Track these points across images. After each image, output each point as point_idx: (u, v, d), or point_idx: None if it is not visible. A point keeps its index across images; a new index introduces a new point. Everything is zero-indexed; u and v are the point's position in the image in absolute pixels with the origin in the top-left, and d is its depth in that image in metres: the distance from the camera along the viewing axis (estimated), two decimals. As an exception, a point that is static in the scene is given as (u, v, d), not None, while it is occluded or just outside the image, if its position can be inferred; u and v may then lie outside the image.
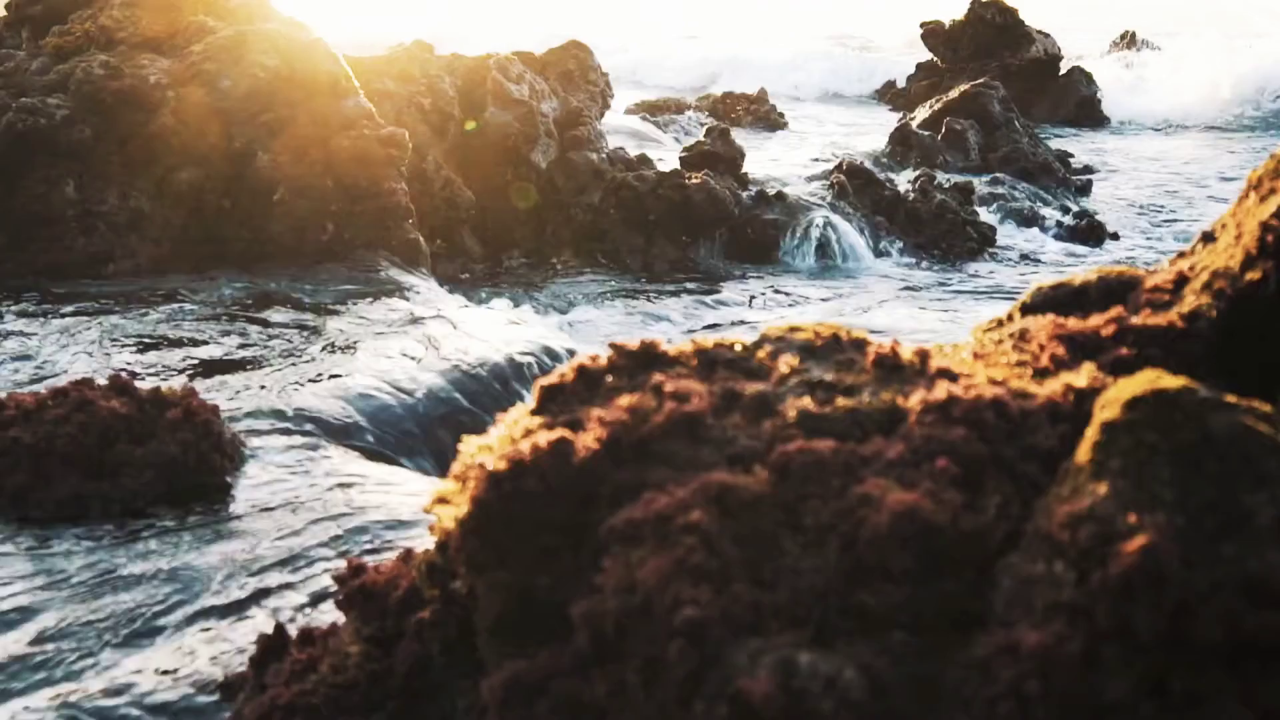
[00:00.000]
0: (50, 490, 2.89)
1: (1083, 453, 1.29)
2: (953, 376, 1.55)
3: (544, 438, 1.45)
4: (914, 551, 1.28)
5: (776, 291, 9.62)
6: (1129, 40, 26.37)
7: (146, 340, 4.78)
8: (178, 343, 4.75)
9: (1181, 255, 2.02)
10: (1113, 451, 1.25)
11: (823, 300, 9.46)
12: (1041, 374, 1.62)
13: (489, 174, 9.80)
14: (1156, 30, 28.17)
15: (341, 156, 6.71)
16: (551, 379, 1.61)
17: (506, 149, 9.83)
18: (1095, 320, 1.77)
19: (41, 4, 7.85)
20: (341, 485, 3.23)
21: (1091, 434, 1.30)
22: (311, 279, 5.95)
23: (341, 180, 6.69)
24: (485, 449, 1.53)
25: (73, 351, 4.61)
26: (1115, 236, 12.02)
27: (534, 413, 1.58)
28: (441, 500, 1.56)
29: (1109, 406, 1.30)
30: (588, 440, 1.42)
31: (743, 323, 8.69)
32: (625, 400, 1.47)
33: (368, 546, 2.78)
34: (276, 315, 5.23)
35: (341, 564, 2.06)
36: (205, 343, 4.76)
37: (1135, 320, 1.74)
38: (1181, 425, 1.25)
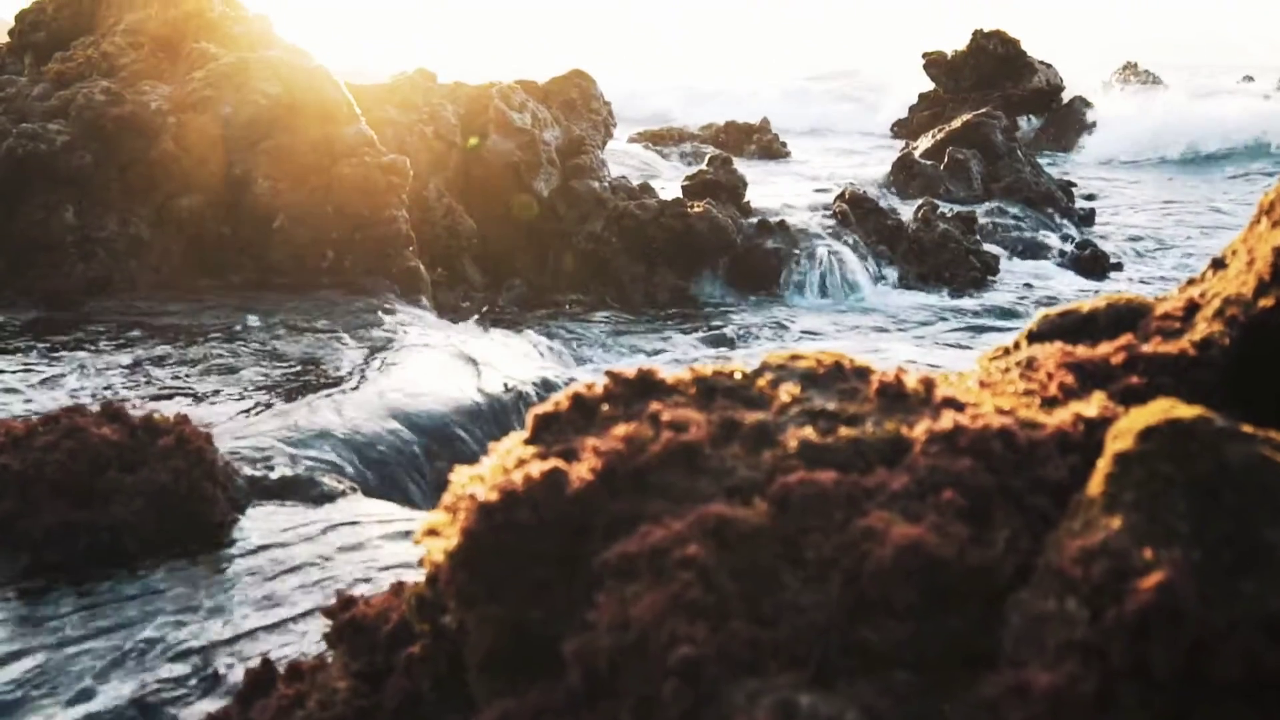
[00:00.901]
0: (38, 518, 2.84)
1: (1095, 485, 1.24)
2: (959, 406, 1.51)
3: (537, 468, 1.41)
4: (919, 587, 1.23)
5: (778, 321, 9.58)
6: (1130, 71, 26.45)
7: (142, 367, 4.74)
8: (174, 370, 4.71)
9: (1191, 282, 1.98)
10: (1126, 483, 1.21)
11: (824, 329, 9.42)
12: (1050, 403, 1.57)
13: (491, 202, 9.78)
14: (1161, 62, 28.27)
15: (342, 184, 6.70)
16: (546, 407, 1.57)
17: (509, 177, 9.82)
18: (1104, 348, 1.72)
19: (45, 31, 7.87)
20: (335, 518, 3.18)
21: (1104, 465, 1.25)
22: (310, 308, 5.92)
23: (342, 207, 6.67)
24: (476, 479, 1.48)
25: (68, 378, 4.57)
26: (1119, 266, 11.99)
27: (527, 442, 1.53)
28: (431, 532, 1.51)
29: (1121, 437, 1.26)
30: (582, 471, 1.38)
31: (743, 348, 8.65)
32: (621, 429, 1.42)
33: (358, 577, 2.73)
34: (274, 344, 5.19)
35: (331, 598, 2.02)
36: (202, 371, 4.71)
37: (1146, 348, 1.69)
38: (1197, 456, 1.20)
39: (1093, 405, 1.49)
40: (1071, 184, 15.60)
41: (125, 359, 4.84)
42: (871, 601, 1.23)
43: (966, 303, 10.46)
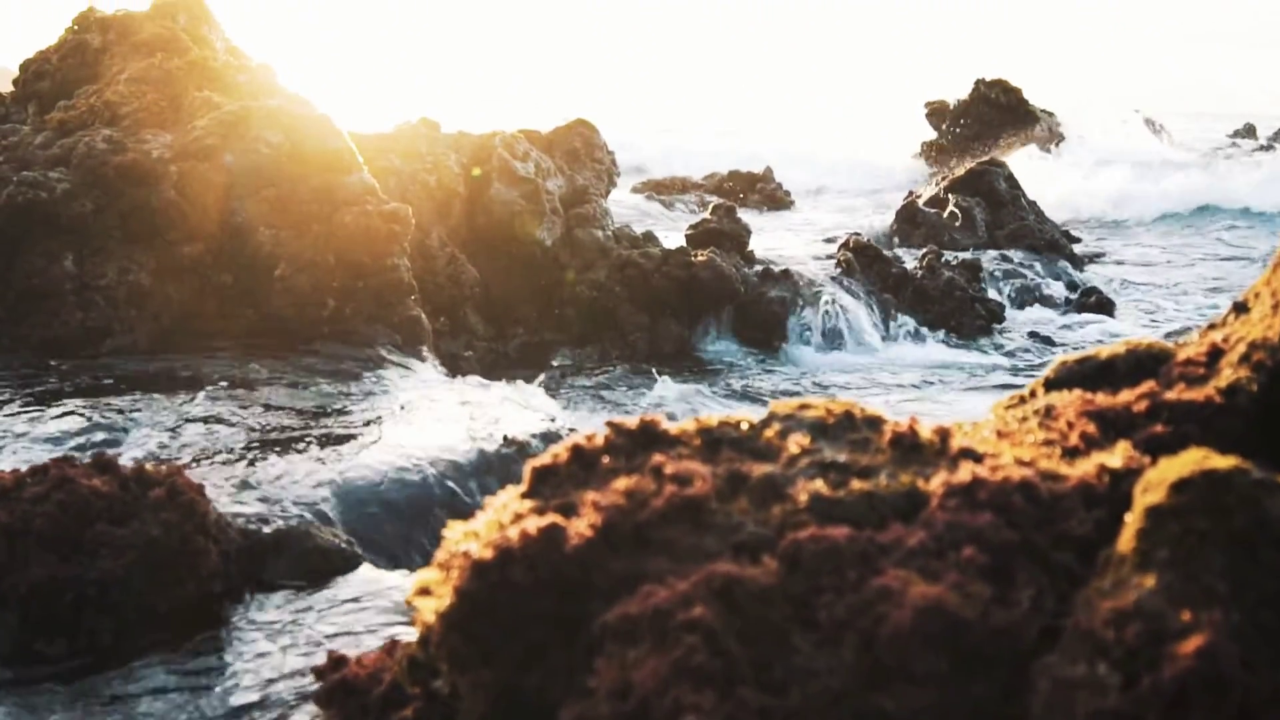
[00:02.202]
0: (25, 573, 2.76)
1: (1125, 541, 1.17)
2: (976, 457, 1.44)
3: (534, 524, 1.34)
4: (940, 650, 1.16)
5: (782, 370, 9.52)
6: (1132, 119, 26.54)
7: (139, 418, 4.67)
8: (170, 421, 4.64)
9: (1213, 326, 1.92)
10: (1159, 539, 1.14)
11: (829, 378, 9.35)
12: (1071, 453, 1.50)
13: (494, 251, 9.75)
14: (1163, 110, 28.38)
15: (344, 232, 6.66)
16: (544, 459, 1.50)
17: (512, 226, 9.79)
18: (1126, 396, 1.65)
19: (49, 80, 7.87)
20: (329, 573, 3.10)
21: (1134, 520, 1.18)
22: (310, 359, 5.86)
23: (343, 256, 6.63)
24: (470, 535, 1.42)
25: (63, 428, 4.50)
26: (1118, 309, 11.96)
27: (524, 496, 1.47)
28: (423, 590, 1.44)
29: (1152, 489, 1.19)
30: (581, 527, 1.31)
31: (748, 398, 8.58)
32: (622, 483, 1.35)
33: (347, 637, 2.65)
34: (273, 397, 5.12)
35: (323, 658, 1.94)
36: (198, 422, 4.65)
37: (1169, 395, 1.63)
38: (1234, 510, 1.13)
39: (1117, 455, 1.42)
40: (1075, 235, 15.61)
41: (122, 409, 4.77)
42: (889, 667, 1.15)
43: (973, 351, 10.40)
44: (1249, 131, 31.40)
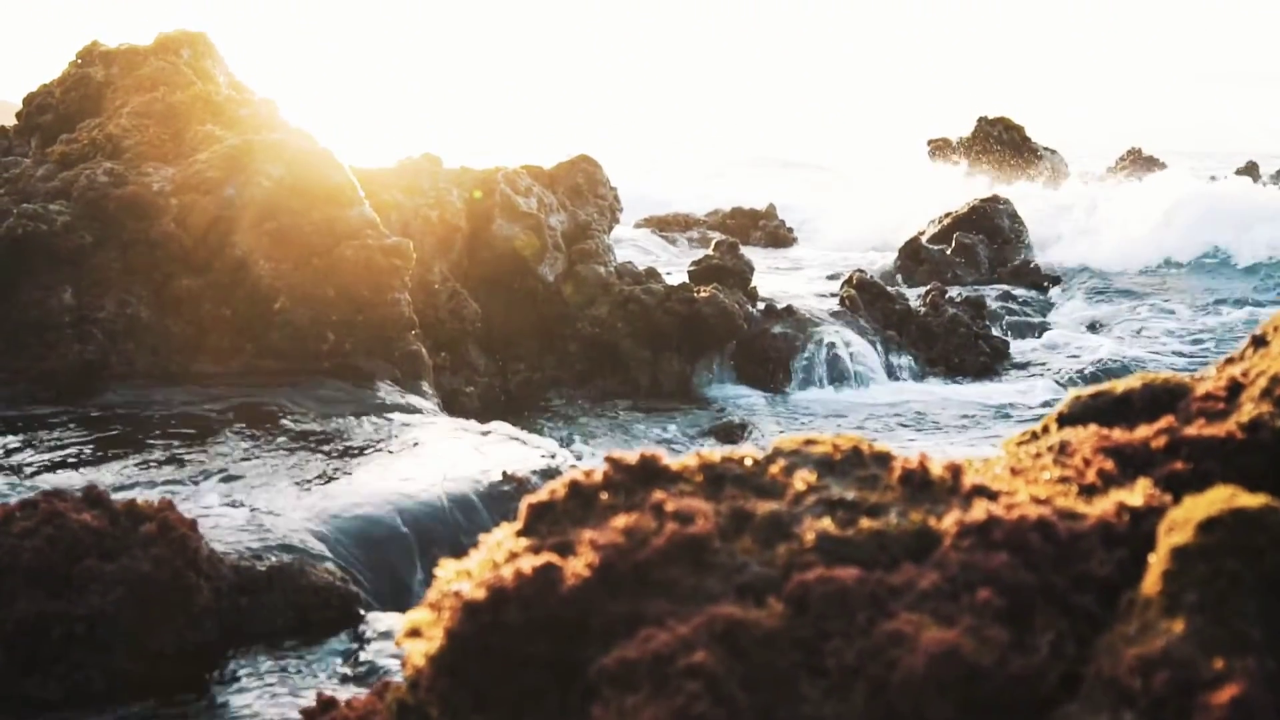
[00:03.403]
0: (11, 609, 2.70)
1: (1150, 583, 1.11)
2: (990, 494, 1.38)
3: (528, 563, 1.28)
4: (955, 699, 1.10)
5: (785, 407, 9.46)
6: (1134, 157, 26.58)
7: (134, 452, 4.62)
8: (165, 455, 4.59)
9: (1230, 360, 1.86)
10: (1187, 582, 1.08)
11: (833, 414, 9.29)
12: (1088, 491, 1.45)
13: (496, 286, 9.72)
14: (1165, 148, 28.42)
15: (344, 266, 6.62)
16: (540, 496, 1.44)
17: (514, 261, 9.76)
18: (1143, 431, 1.60)
19: (52, 113, 7.86)
20: (323, 610, 3.04)
21: (1159, 561, 1.12)
22: (308, 395, 5.81)
23: (344, 289, 6.59)
24: (463, 574, 1.36)
25: (57, 462, 4.44)
26: (1118, 340, 11.93)
27: (520, 533, 1.41)
28: (414, 632, 1.38)
29: (1178, 529, 1.13)
30: (578, 566, 1.25)
31: (751, 435, 8.51)
32: (621, 521, 1.30)
33: (338, 678, 2.58)
34: (270, 432, 5.06)
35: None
36: (193, 456, 4.59)
37: (1189, 431, 1.57)
38: (1266, 550, 1.08)
39: (1137, 493, 1.36)
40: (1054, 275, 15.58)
41: (117, 443, 4.72)
42: (901, 715, 1.09)
43: (977, 387, 10.34)
44: (1251, 169, 31.45)
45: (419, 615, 1.40)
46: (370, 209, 7.10)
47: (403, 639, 1.40)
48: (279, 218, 6.67)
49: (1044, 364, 11.15)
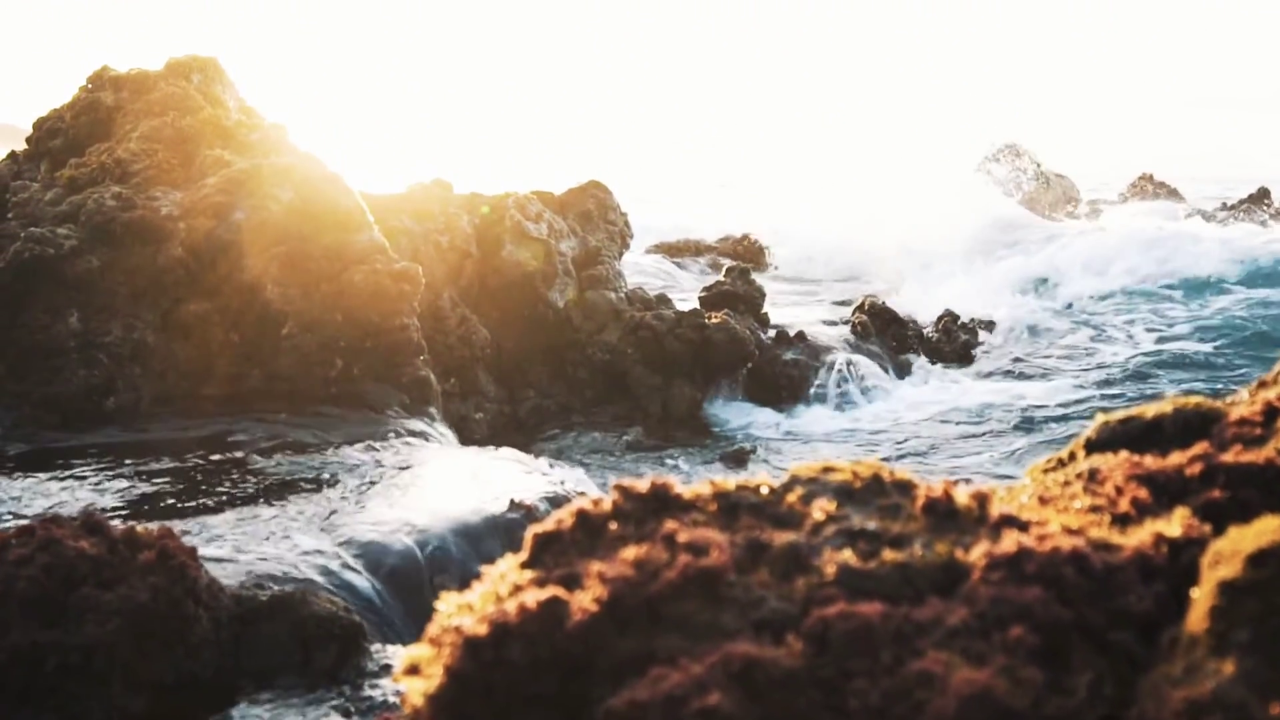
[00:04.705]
0: (5, 639, 2.63)
1: (1196, 620, 1.04)
2: (1020, 524, 1.31)
3: (533, 597, 1.21)
4: (987, 744, 1.03)
5: (798, 433, 9.39)
6: (1146, 182, 26.53)
7: (137, 478, 4.56)
8: (168, 483, 4.53)
9: (1263, 385, 1.79)
10: (1237, 619, 1.01)
11: (847, 440, 9.21)
12: (1122, 521, 1.38)
13: (506, 312, 9.67)
14: (1177, 174, 28.35)
15: (353, 291, 6.58)
16: (547, 526, 1.38)
17: (524, 287, 9.72)
18: (1177, 458, 1.53)
19: (62, 137, 7.85)
20: (325, 641, 2.96)
21: (1205, 596, 1.05)
22: (315, 422, 5.75)
23: (352, 315, 6.55)
24: (465, 608, 1.29)
25: (58, 488, 4.39)
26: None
27: (525, 565, 1.34)
28: (412, 669, 1.31)
29: (1225, 562, 1.06)
30: (585, 600, 1.18)
31: (763, 461, 8.43)
32: (631, 552, 1.23)
33: (340, 714, 2.51)
34: (275, 459, 5.01)
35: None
36: (197, 484, 4.53)
37: (1225, 458, 1.50)
38: (1322, 588, 1.01)
39: (1175, 524, 1.29)
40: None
41: (120, 470, 4.66)
42: (930, 762, 1.02)
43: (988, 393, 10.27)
44: (1262, 195, 31.32)
45: (418, 651, 1.33)
46: (379, 234, 7.07)
47: (401, 676, 1.33)
48: (287, 242, 6.64)
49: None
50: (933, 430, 9.60)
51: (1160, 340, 12.85)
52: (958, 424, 9.82)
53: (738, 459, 8.59)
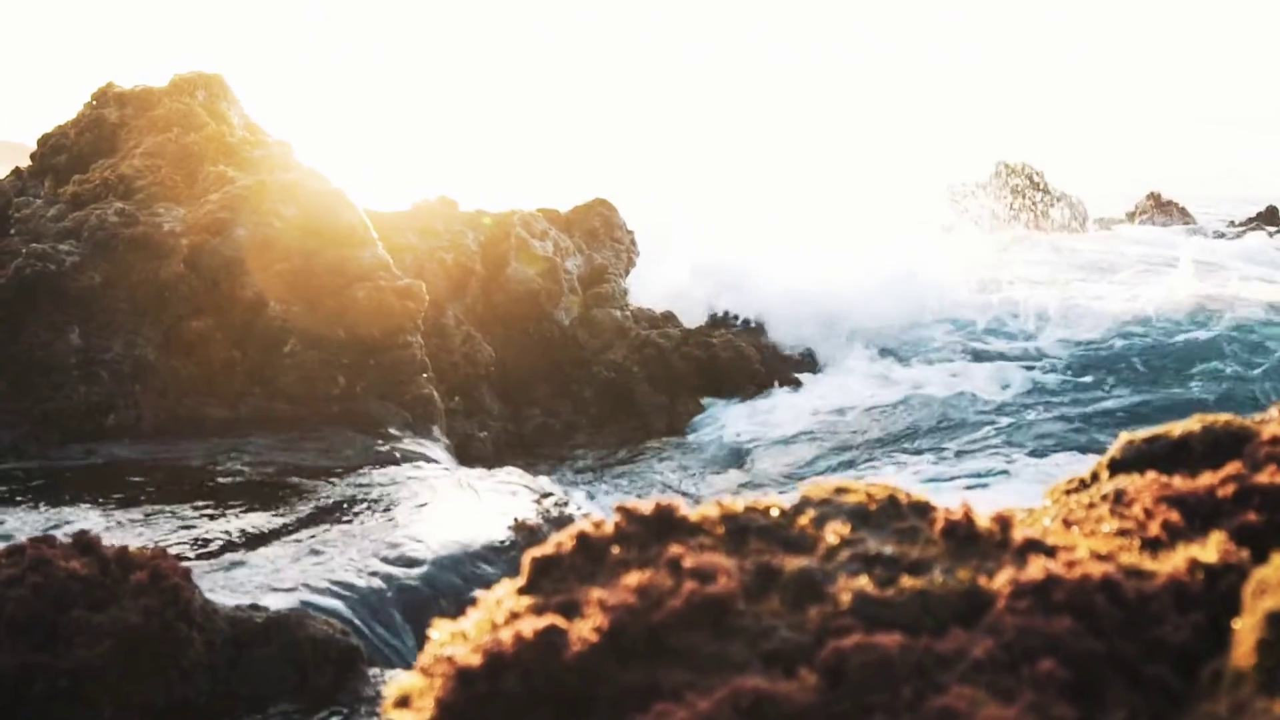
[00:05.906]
0: (-7, 663, 2.56)
1: (1243, 655, 0.97)
2: (1046, 549, 1.24)
3: (530, 625, 1.14)
4: (1016, 788, 0.95)
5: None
6: (1153, 201, 26.46)
7: (134, 497, 4.49)
8: (166, 503, 4.46)
9: (1294, 404, 1.72)
10: (1286, 655, 0.94)
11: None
12: (1152, 545, 1.30)
13: (511, 330, 9.62)
14: (1184, 194, 28.28)
15: (356, 308, 6.53)
16: (545, 549, 1.31)
17: (529, 305, 9.67)
18: (1208, 479, 1.45)
19: (66, 154, 7.82)
20: (321, 664, 2.89)
21: (1250, 628, 0.98)
22: (317, 442, 5.68)
23: (355, 332, 6.49)
24: (458, 636, 1.22)
25: (55, 507, 4.32)
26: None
27: (522, 591, 1.27)
28: (402, 701, 1.24)
29: (1271, 591, 0.99)
30: (584, 630, 1.11)
31: (771, 482, 8.35)
32: (634, 578, 1.16)
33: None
34: (275, 478, 4.94)
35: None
36: (196, 504, 4.46)
37: (1259, 479, 1.43)
38: (1378, 620, 0.94)
39: (1211, 549, 1.22)
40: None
41: (119, 488, 4.60)
42: (955, 807, 0.95)
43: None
44: (1270, 215, 31.22)
45: (410, 681, 1.26)
46: (383, 250, 7.02)
47: (390, 708, 1.26)
48: (290, 259, 6.59)
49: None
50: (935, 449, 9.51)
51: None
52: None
53: (743, 481, 8.50)
